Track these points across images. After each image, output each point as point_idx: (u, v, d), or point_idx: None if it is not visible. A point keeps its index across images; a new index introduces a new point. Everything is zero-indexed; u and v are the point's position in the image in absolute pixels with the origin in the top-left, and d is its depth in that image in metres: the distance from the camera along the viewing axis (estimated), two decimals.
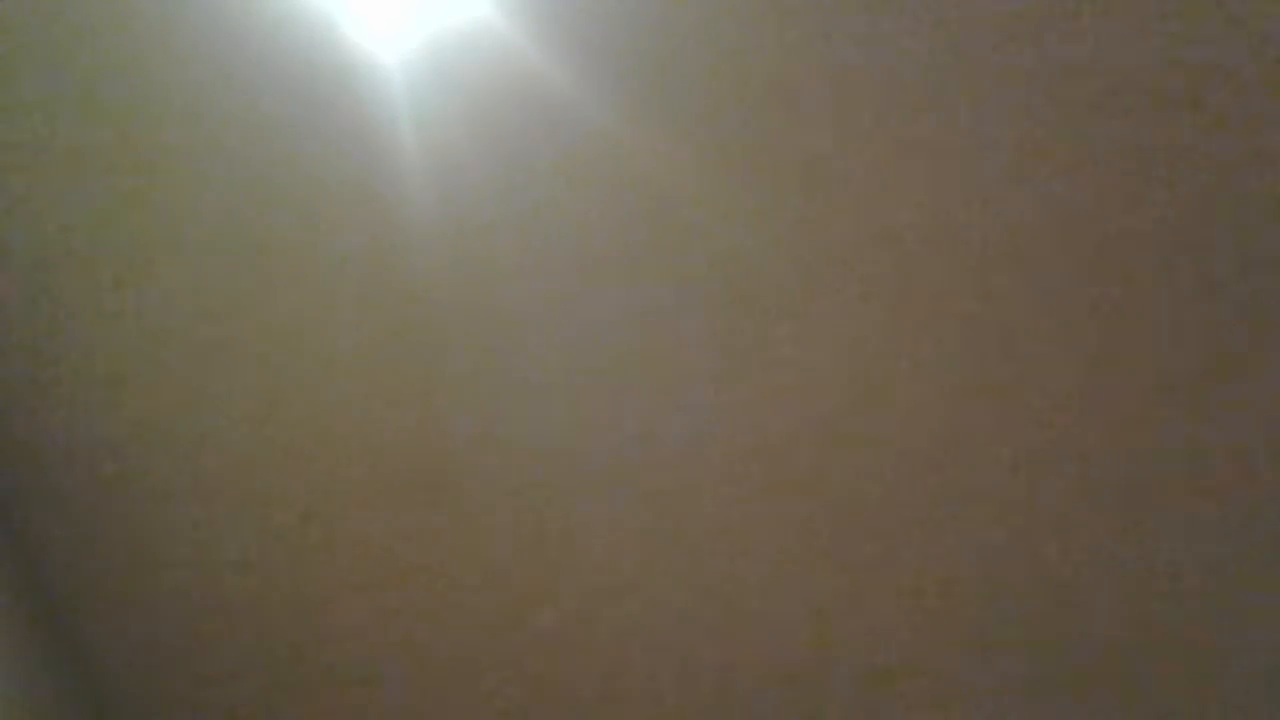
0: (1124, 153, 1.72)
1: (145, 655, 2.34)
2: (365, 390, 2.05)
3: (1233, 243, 1.75)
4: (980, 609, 2.05)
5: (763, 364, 1.94)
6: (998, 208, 1.78)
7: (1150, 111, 1.69)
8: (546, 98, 1.77)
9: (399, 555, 2.18)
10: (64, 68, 1.83)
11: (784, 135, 1.78)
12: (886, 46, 1.70)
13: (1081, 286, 1.81)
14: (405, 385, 2.04)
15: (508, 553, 2.14)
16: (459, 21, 1.75)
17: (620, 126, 1.79)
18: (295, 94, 1.83)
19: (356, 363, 2.03)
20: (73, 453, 2.17)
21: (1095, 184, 1.75)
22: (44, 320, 2.06)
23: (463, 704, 2.29)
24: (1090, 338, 1.84)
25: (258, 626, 2.29)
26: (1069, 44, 1.66)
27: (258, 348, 2.04)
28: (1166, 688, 2.04)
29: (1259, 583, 1.95)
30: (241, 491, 2.16)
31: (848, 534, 2.04)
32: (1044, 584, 2.02)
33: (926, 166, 1.77)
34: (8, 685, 2.09)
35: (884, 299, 1.87)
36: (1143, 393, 1.86)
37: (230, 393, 2.08)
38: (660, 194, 1.84)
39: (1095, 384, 1.87)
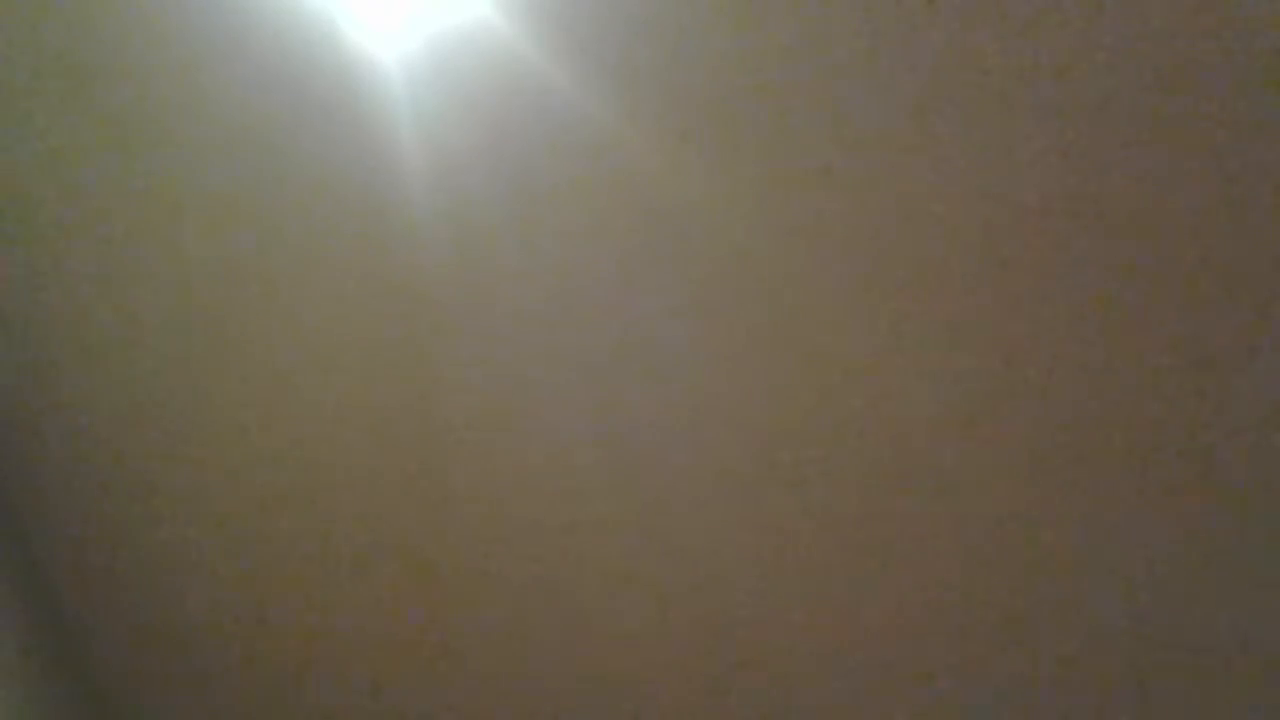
0: (1128, 151, 1.72)
1: (145, 655, 2.34)
2: (366, 389, 2.05)
3: (1235, 240, 1.75)
4: (981, 610, 2.05)
5: (763, 363, 1.94)
6: (1002, 207, 1.78)
7: (1153, 109, 1.69)
8: (546, 98, 1.77)
9: (399, 554, 2.18)
10: (63, 67, 1.83)
11: (784, 135, 1.78)
12: (888, 46, 1.70)
13: (1086, 285, 1.81)
14: (406, 384, 2.04)
15: (507, 551, 2.15)
16: (459, 21, 1.75)
17: (620, 126, 1.79)
18: (295, 94, 1.83)
19: (357, 362, 2.04)
20: (73, 453, 2.17)
21: (1100, 184, 1.74)
22: (44, 320, 2.06)
23: (462, 703, 2.29)
24: (1096, 337, 1.84)
25: (258, 626, 2.29)
26: (1072, 42, 1.66)
27: (258, 347, 2.04)
28: (1167, 687, 2.04)
29: (1262, 582, 1.95)
30: (241, 491, 2.16)
31: (849, 533, 2.04)
32: (1044, 584, 2.02)
33: (928, 166, 1.77)
34: (8, 685, 2.09)
35: (886, 298, 1.87)
36: (1151, 396, 1.86)
37: (230, 392, 2.08)
38: (660, 193, 1.84)
39: (1099, 384, 1.87)
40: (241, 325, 2.04)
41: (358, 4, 1.76)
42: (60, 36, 1.81)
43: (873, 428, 1.96)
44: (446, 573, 2.18)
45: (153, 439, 2.15)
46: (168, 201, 1.94)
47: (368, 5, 1.76)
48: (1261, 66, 1.63)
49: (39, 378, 2.10)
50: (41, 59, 1.83)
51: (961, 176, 1.76)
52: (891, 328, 1.89)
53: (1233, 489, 1.89)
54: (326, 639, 2.27)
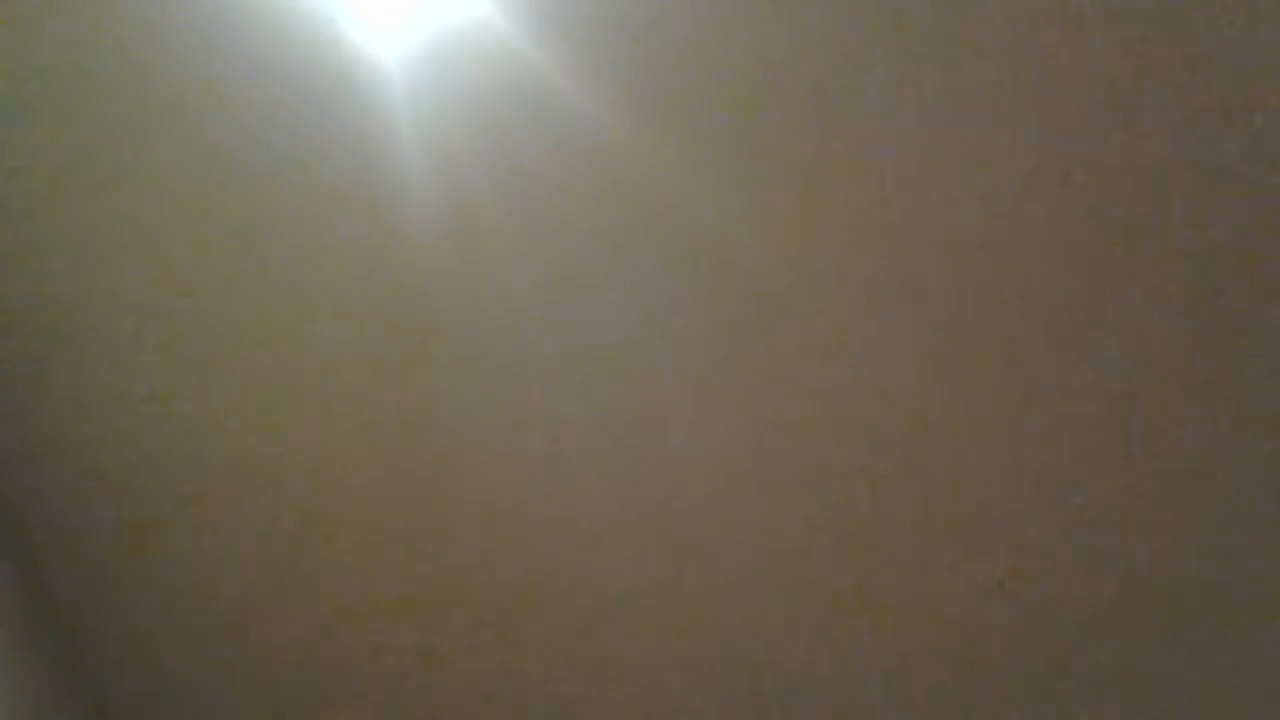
0: (1128, 154, 1.72)
1: (145, 655, 2.34)
2: (365, 389, 2.05)
3: (1235, 244, 1.75)
4: (982, 613, 2.05)
5: (762, 364, 1.94)
6: (998, 208, 1.78)
7: (1154, 114, 1.69)
8: (546, 98, 1.77)
9: (397, 554, 2.18)
10: (63, 68, 1.83)
11: (784, 135, 1.78)
12: (887, 47, 1.70)
13: (1084, 287, 1.81)
14: (405, 384, 2.04)
15: (506, 552, 2.15)
16: (459, 21, 1.75)
17: (619, 126, 1.79)
18: (295, 94, 1.83)
19: (356, 362, 2.03)
20: (73, 453, 2.17)
21: (1099, 187, 1.74)
22: (44, 320, 2.06)
23: (463, 705, 2.29)
24: (1094, 339, 1.84)
25: (258, 627, 2.29)
26: (1073, 46, 1.66)
27: (257, 347, 2.04)
28: (1167, 691, 2.04)
29: (1261, 586, 1.95)
30: (241, 491, 2.16)
31: (845, 534, 2.04)
32: (1044, 586, 2.02)
33: (927, 167, 1.77)
34: (8, 685, 2.09)
35: (883, 300, 1.87)
36: (1147, 396, 1.86)
37: (230, 392, 2.08)
38: (659, 194, 1.84)
39: (1099, 386, 1.87)
40: (241, 325, 2.03)
41: (358, 4, 1.76)
42: (60, 38, 1.80)
43: (873, 424, 1.96)
44: (447, 573, 2.18)
45: (152, 439, 2.15)
46: (167, 202, 1.94)
47: (368, 5, 1.76)
48: (1261, 70, 1.63)
49: (39, 378, 2.10)
50: (41, 62, 1.82)
51: (963, 178, 1.77)
52: (891, 326, 1.89)
53: (1234, 498, 1.89)
54: (326, 641, 2.27)
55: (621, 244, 1.88)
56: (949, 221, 1.80)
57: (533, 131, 1.80)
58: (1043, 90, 1.69)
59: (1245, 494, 1.90)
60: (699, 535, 2.08)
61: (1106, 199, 1.75)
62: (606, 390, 2.00)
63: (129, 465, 2.17)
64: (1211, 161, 1.70)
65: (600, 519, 2.09)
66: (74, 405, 2.13)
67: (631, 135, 1.80)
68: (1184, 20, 1.62)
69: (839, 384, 1.94)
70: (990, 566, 2.02)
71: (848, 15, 1.68)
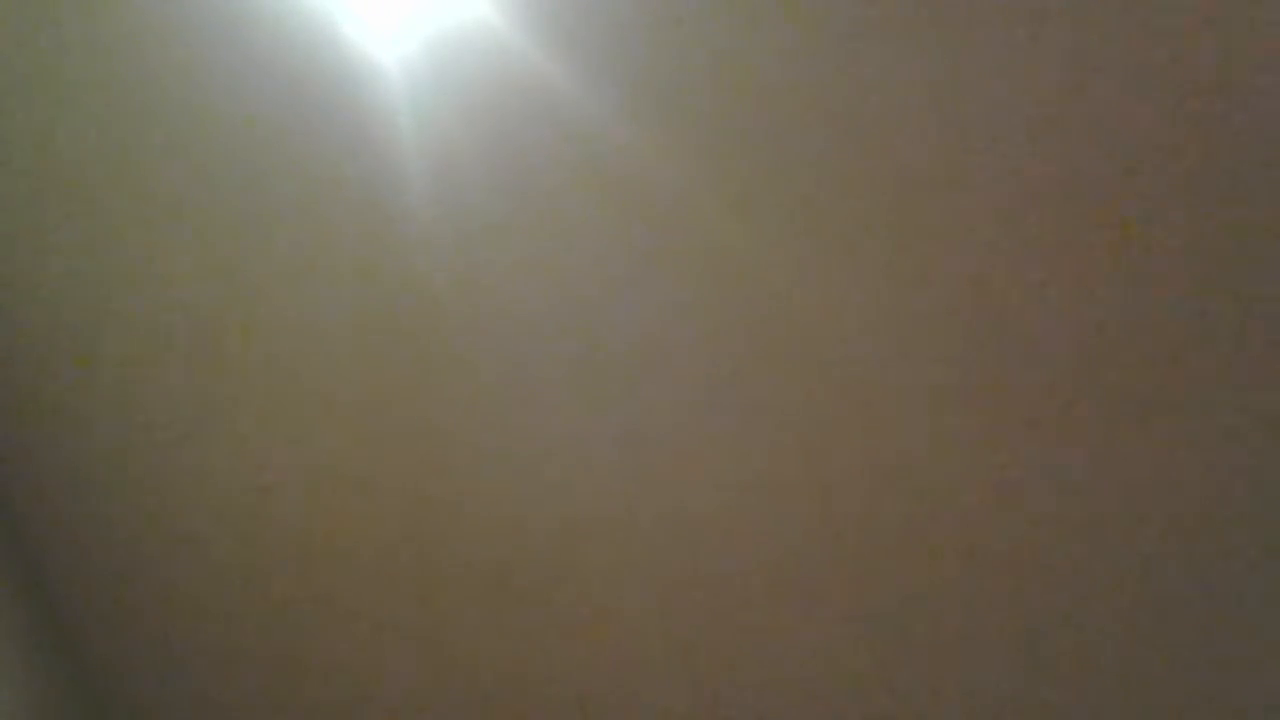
0: (1140, 157, 1.72)
1: (145, 655, 2.34)
2: (365, 389, 2.05)
3: (1241, 252, 1.74)
4: (983, 617, 2.05)
5: (763, 365, 1.94)
6: (1003, 211, 1.78)
7: (1160, 107, 1.69)
8: (546, 97, 1.77)
9: (399, 553, 2.18)
10: (64, 69, 1.83)
11: (785, 135, 1.78)
12: (891, 49, 1.70)
13: (1092, 288, 1.81)
14: (405, 384, 2.04)
15: (507, 552, 2.15)
16: (459, 21, 1.75)
17: (620, 126, 1.79)
18: (295, 94, 1.83)
19: (356, 362, 2.04)
20: (73, 452, 2.17)
21: (1110, 193, 1.74)
22: (44, 321, 2.06)
23: (462, 701, 2.29)
24: (1101, 341, 1.84)
25: (258, 627, 2.29)
26: (1081, 47, 1.66)
27: (257, 346, 2.04)
28: (1168, 697, 2.04)
29: (1261, 586, 1.95)
30: (241, 491, 2.16)
31: (845, 539, 2.04)
32: (1045, 589, 2.02)
33: (929, 168, 1.77)
34: (8, 685, 2.09)
35: (886, 300, 1.87)
36: (1155, 403, 1.85)
37: (230, 392, 2.09)
38: (660, 194, 1.84)
39: (1107, 389, 1.86)
40: (241, 325, 2.04)
41: (357, 4, 1.76)
42: (61, 38, 1.81)
43: (874, 425, 1.96)
44: (444, 571, 2.18)
45: (153, 440, 2.15)
46: (168, 202, 1.94)
47: (367, 6, 1.77)
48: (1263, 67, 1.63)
49: (39, 378, 2.10)
50: (42, 62, 1.83)
51: (964, 178, 1.76)
52: (895, 326, 1.89)
53: (1242, 504, 1.88)
54: (328, 641, 2.28)
55: (621, 244, 1.89)
56: (953, 223, 1.80)
57: (532, 131, 1.80)
58: (1052, 87, 1.69)
59: (1254, 498, 1.89)
60: (702, 531, 2.08)
61: (1118, 206, 1.74)
62: (607, 390, 2.00)
63: (129, 466, 2.17)
64: (1222, 164, 1.70)
65: (601, 516, 2.09)
66: (74, 406, 2.14)
67: (631, 135, 1.80)
68: (1186, 19, 1.62)
69: (843, 384, 1.94)
70: (992, 572, 2.02)
71: (850, 16, 1.68)
